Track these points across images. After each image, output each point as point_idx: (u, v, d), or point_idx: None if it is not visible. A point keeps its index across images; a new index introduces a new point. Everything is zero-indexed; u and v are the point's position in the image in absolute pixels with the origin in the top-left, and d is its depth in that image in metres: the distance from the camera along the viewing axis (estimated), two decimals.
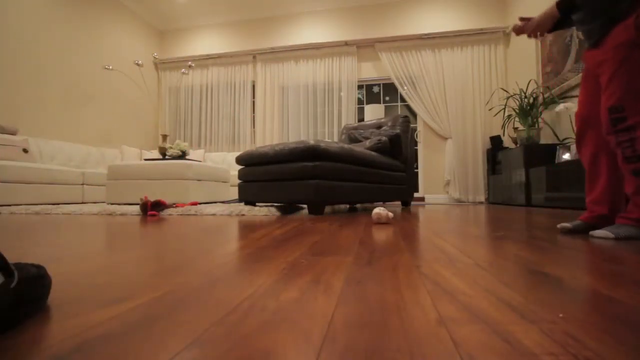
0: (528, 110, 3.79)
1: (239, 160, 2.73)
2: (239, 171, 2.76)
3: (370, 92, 5.57)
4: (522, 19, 1.33)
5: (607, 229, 1.09)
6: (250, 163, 2.63)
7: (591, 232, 1.12)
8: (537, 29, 1.29)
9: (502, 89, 4.68)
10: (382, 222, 1.52)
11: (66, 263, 0.67)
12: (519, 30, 1.35)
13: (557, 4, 1.22)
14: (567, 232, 1.23)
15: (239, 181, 3.53)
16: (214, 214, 2.21)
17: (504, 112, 4.23)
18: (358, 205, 3.73)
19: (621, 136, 1.09)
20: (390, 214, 1.55)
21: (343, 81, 5.29)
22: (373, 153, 2.89)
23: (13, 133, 3.60)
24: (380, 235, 1.11)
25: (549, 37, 3.89)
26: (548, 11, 1.26)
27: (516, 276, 0.54)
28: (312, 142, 2.25)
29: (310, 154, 2.24)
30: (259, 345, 0.30)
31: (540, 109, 3.82)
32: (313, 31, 5.52)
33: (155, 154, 5.07)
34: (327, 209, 2.91)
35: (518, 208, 3.13)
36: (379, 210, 1.55)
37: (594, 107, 1.26)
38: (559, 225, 1.28)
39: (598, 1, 1.15)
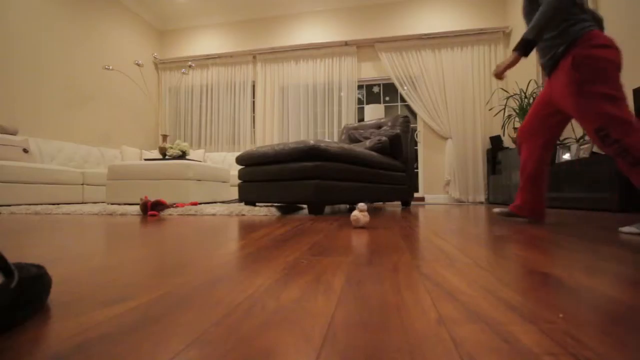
0: (528, 110, 3.79)
1: (239, 161, 2.73)
2: (239, 171, 2.76)
3: (370, 92, 5.57)
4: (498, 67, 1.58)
5: (635, 225, 1.19)
6: (251, 163, 2.64)
7: (620, 229, 1.25)
8: (507, 69, 1.52)
9: (502, 89, 4.68)
10: (360, 226, 1.33)
11: (66, 263, 0.67)
12: (497, 75, 1.58)
13: (518, 51, 1.44)
14: (503, 216, 1.74)
15: (239, 181, 3.53)
16: (214, 214, 2.21)
17: (504, 112, 4.23)
18: None
19: (613, 149, 1.27)
20: (367, 218, 1.30)
21: (343, 81, 5.30)
22: (373, 153, 2.89)
23: (13, 133, 3.61)
24: (380, 235, 1.11)
25: None
26: (512, 58, 1.47)
27: (516, 276, 0.54)
28: (312, 142, 2.25)
29: (311, 154, 2.24)
30: (259, 345, 0.30)
31: None
32: (313, 31, 5.52)
33: (155, 154, 5.07)
34: (327, 209, 2.91)
35: None
36: (358, 214, 1.30)
37: (534, 123, 1.59)
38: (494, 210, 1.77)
39: (545, 46, 1.47)
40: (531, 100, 3.80)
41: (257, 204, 3.00)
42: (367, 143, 3.22)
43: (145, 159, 3.43)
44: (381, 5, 5.33)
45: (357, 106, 5.30)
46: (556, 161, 3.33)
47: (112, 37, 5.18)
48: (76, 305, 0.41)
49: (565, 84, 1.36)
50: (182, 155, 3.48)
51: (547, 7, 1.33)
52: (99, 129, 4.97)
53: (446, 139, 5.02)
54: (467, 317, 0.36)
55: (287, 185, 2.34)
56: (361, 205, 1.29)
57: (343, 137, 3.84)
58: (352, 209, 2.90)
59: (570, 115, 1.48)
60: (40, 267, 0.43)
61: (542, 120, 1.56)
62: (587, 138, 3.21)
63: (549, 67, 1.47)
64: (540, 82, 4.10)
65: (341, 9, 5.44)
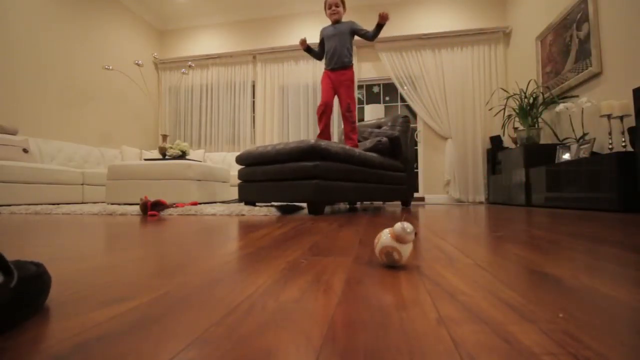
0: (528, 110, 3.79)
1: (238, 160, 2.73)
2: (239, 171, 2.76)
3: (370, 92, 5.57)
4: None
5: None
6: (250, 162, 2.63)
7: None
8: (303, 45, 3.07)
9: (502, 89, 4.68)
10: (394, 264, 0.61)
11: (66, 263, 0.67)
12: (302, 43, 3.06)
13: (305, 49, 3.13)
14: None
15: (239, 181, 3.53)
16: (214, 214, 2.21)
17: (504, 112, 4.23)
18: (358, 206, 3.73)
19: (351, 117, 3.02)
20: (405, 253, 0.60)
21: None
22: (374, 155, 2.89)
23: (13, 133, 3.61)
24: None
25: (549, 37, 3.89)
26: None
27: (516, 276, 0.54)
28: (313, 141, 2.25)
29: (312, 153, 2.24)
30: (259, 345, 0.30)
31: (540, 108, 3.83)
32: (313, 31, 5.52)
33: (155, 154, 5.07)
34: (327, 208, 2.91)
35: (518, 208, 3.13)
36: (392, 241, 0.59)
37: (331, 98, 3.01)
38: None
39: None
40: (531, 100, 3.80)
41: (257, 204, 3.00)
42: (367, 144, 3.22)
43: (145, 159, 3.43)
44: (381, 5, 5.33)
45: (357, 106, 5.29)
46: (556, 161, 3.33)
47: (112, 37, 5.18)
48: (76, 305, 0.41)
49: (347, 78, 3.01)
50: (182, 155, 3.48)
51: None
52: (99, 129, 4.97)
53: (446, 139, 5.02)
54: (467, 317, 0.36)
55: (287, 185, 2.34)
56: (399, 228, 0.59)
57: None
58: (352, 209, 2.90)
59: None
60: (39, 266, 0.42)
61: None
62: (587, 138, 3.21)
63: (340, 65, 2.98)
64: (540, 82, 4.10)
65: None
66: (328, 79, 2.97)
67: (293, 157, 2.31)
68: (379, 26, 2.84)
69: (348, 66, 2.94)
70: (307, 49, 3.10)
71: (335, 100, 3.31)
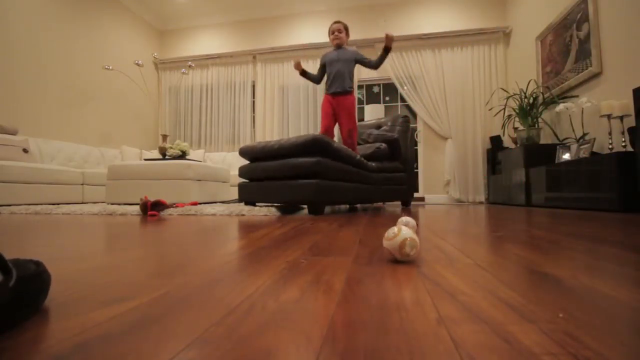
0: (528, 110, 3.79)
1: (241, 152, 2.71)
2: (240, 168, 2.75)
3: (370, 92, 5.57)
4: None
5: None
6: (253, 156, 2.61)
7: None
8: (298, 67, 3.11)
9: (502, 89, 4.68)
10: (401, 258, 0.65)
11: (66, 263, 0.67)
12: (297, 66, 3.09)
13: (300, 73, 3.16)
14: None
15: (239, 181, 3.52)
16: (214, 214, 2.21)
17: (504, 112, 4.23)
18: (358, 205, 3.72)
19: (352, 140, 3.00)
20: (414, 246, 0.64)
21: None
22: (372, 164, 2.90)
23: (13, 133, 3.61)
24: (380, 235, 1.11)
25: (549, 37, 3.89)
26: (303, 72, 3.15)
27: (516, 276, 0.54)
28: (316, 134, 2.25)
29: (314, 146, 2.23)
30: (259, 345, 0.30)
31: (540, 108, 3.83)
32: (313, 31, 5.53)
33: (155, 154, 5.07)
34: (327, 209, 2.91)
35: (518, 208, 3.13)
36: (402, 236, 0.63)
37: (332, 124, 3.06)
38: None
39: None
40: (531, 100, 3.80)
41: (257, 204, 3.00)
42: (367, 146, 3.23)
43: (145, 159, 3.43)
44: (381, 5, 5.33)
45: (357, 106, 5.29)
46: (556, 161, 3.33)
47: (112, 37, 5.18)
48: (76, 305, 0.41)
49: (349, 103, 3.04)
50: (182, 155, 3.48)
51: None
52: (99, 129, 4.97)
53: (446, 139, 5.02)
54: (467, 317, 0.36)
55: (288, 185, 2.34)
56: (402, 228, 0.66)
57: None
58: (352, 209, 2.89)
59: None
60: (39, 264, 0.42)
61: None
62: (587, 138, 3.21)
63: (342, 90, 3.01)
64: (540, 82, 4.10)
65: (341, 9, 5.45)
66: (328, 104, 3.03)
67: (295, 151, 2.30)
68: (387, 50, 2.83)
69: (349, 92, 3.01)
70: (303, 72, 3.13)
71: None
